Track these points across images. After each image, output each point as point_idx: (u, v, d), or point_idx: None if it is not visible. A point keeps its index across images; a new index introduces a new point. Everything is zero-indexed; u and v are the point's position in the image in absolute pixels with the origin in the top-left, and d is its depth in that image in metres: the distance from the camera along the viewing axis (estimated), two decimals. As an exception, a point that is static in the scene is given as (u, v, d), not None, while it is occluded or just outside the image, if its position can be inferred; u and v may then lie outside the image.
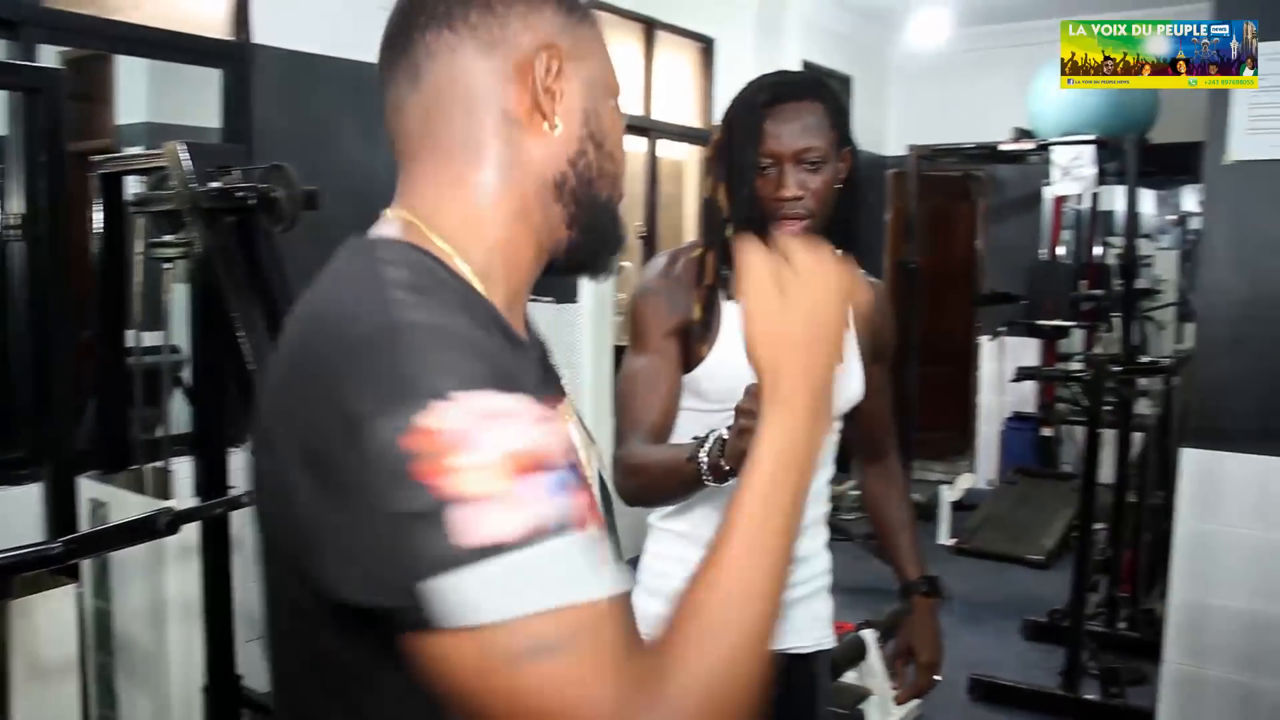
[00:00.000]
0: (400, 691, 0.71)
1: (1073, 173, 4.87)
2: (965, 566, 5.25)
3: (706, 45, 6.00)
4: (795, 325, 0.85)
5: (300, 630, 0.76)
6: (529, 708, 0.65)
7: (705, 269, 1.67)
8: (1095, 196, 5.93)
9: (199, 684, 2.40)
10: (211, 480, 2.33)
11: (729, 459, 1.33)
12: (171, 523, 1.73)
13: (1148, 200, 6.88)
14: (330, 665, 0.75)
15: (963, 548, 5.53)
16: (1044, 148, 5.19)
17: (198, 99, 3.60)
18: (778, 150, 1.59)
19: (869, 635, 2.97)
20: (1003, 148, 5.49)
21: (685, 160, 6.06)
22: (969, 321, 7.05)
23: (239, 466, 2.52)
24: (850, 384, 1.72)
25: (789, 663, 1.67)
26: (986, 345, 6.87)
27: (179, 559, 2.44)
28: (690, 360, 1.65)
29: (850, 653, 2.78)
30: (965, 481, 6.44)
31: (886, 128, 7.47)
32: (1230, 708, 3.00)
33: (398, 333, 0.69)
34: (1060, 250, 6.53)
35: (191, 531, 2.24)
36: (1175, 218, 7.16)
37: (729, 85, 6.13)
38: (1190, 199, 7.03)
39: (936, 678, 1.86)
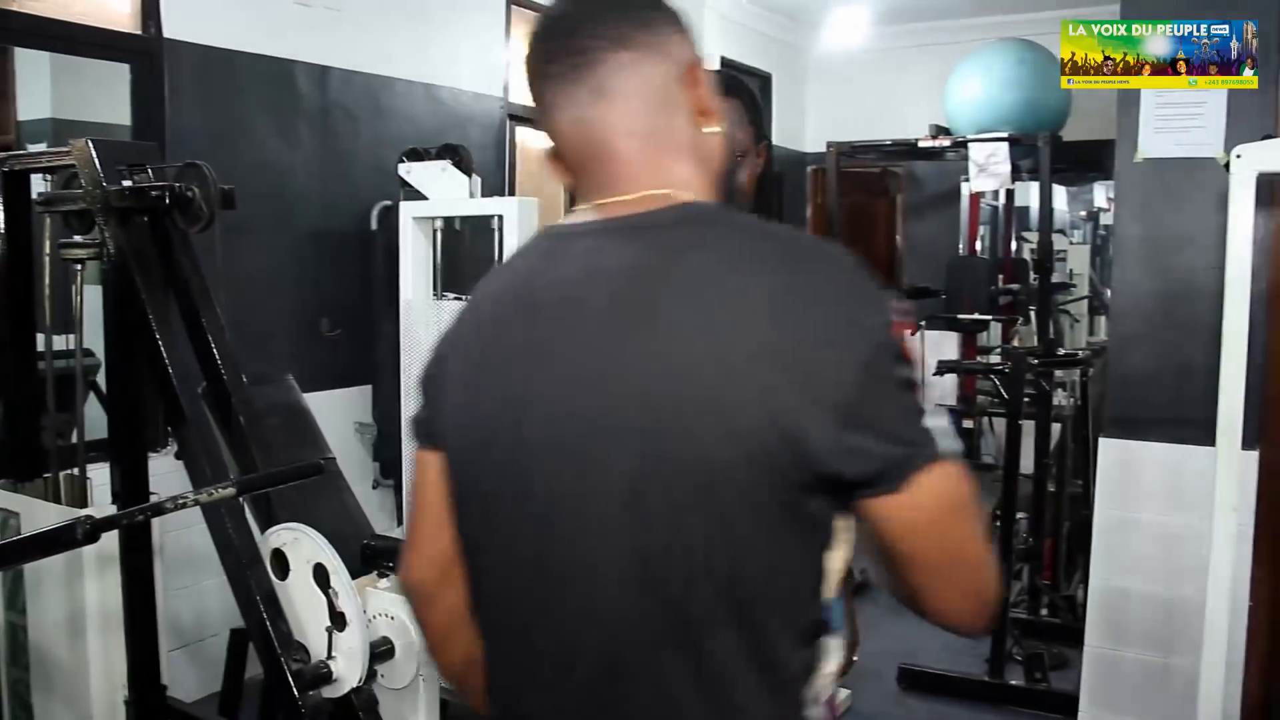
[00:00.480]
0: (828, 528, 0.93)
1: (989, 169, 4.96)
2: (890, 557, 5.32)
3: (628, 43, 5.99)
4: None
5: (778, 523, 0.89)
6: (970, 514, 0.95)
7: None
8: (1010, 193, 6.06)
9: (121, 696, 2.33)
10: (129, 487, 2.26)
11: None
12: (90, 531, 1.67)
13: (1060, 196, 7.05)
14: (804, 530, 0.91)
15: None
16: (961, 144, 5.28)
17: (105, 95, 3.50)
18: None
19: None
20: (921, 144, 5.57)
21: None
22: (889, 316, 7.14)
23: (159, 471, 2.45)
24: None
25: None
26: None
27: (97, 569, 2.37)
28: None
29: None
30: (888, 473, 6.52)
31: (805, 125, 7.54)
32: (1146, 687, 3.09)
33: (852, 268, 0.92)
34: (978, 245, 6.66)
35: (109, 540, 2.17)
36: (1086, 213, 7.35)
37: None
38: (1100, 195, 7.22)
39: (854, 658, 1.89)
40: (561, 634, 0.96)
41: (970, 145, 5.09)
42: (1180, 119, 2.94)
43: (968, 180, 5.34)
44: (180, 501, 1.79)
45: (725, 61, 6.46)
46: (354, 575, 2.03)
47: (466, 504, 1.03)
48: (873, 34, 6.40)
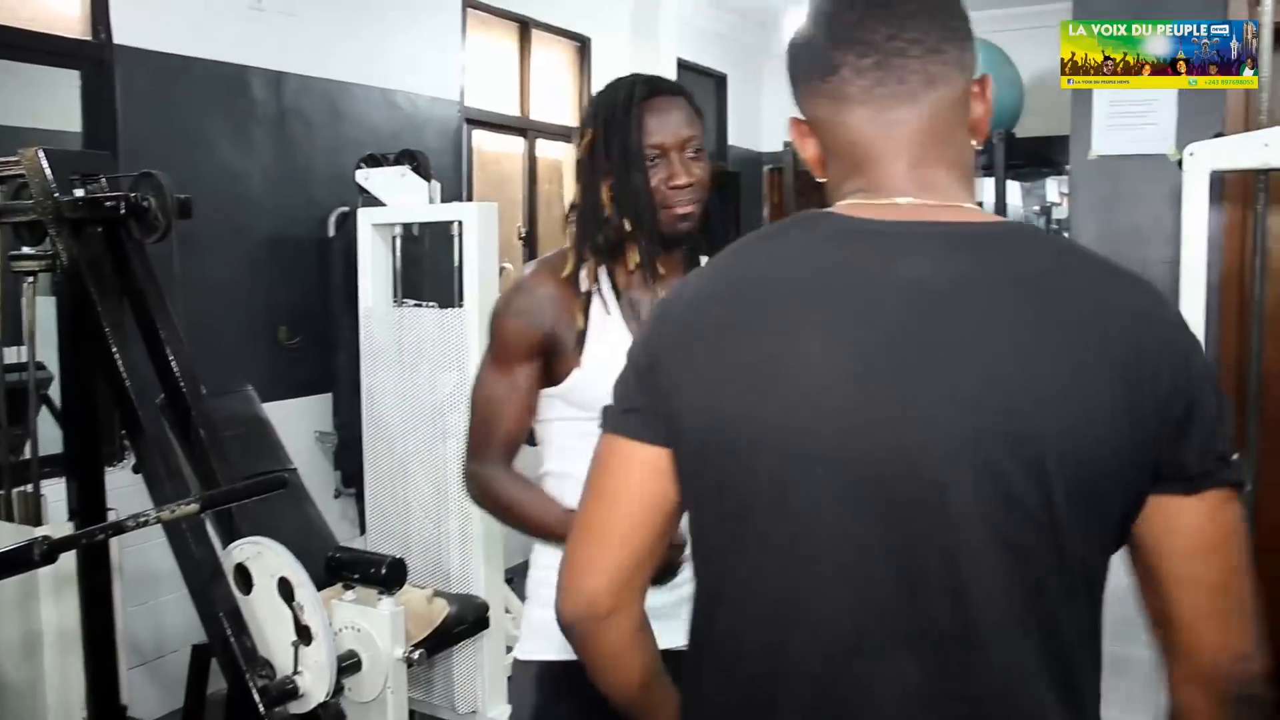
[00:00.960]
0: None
1: (945, 167, 5.01)
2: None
3: (582, 44, 5.99)
4: None
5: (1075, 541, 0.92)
6: (1245, 546, 0.96)
7: (586, 274, 1.67)
8: (966, 189, 6.11)
9: (80, 716, 2.29)
10: (86, 503, 2.22)
11: None
12: (48, 552, 1.63)
13: (1014, 191, 7.12)
14: (1128, 519, 0.95)
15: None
16: (916, 142, 5.32)
17: (53, 101, 3.44)
18: (664, 141, 1.63)
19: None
20: (877, 143, 5.60)
21: (563, 160, 6.04)
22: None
23: (115, 486, 2.41)
24: None
25: None
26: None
27: (53, 587, 2.32)
28: (561, 371, 1.65)
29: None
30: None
31: (761, 125, 7.57)
32: (1107, 677, 3.13)
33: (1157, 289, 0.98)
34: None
35: (66, 557, 2.13)
36: (1039, 208, 7.44)
37: (605, 84, 6.13)
38: (1053, 189, 7.32)
39: None
40: (903, 621, 0.93)
41: (926, 143, 5.13)
42: (1132, 117, 2.99)
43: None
44: (142, 519, 1.75)
45: (682, 62, 6.47)
46: (318, 587, 2.01)
47: (740, 496, 0.98)
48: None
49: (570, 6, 5.76)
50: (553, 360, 1.65)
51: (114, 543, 2.25)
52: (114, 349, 2.07)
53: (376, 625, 2.14)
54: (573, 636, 1.09)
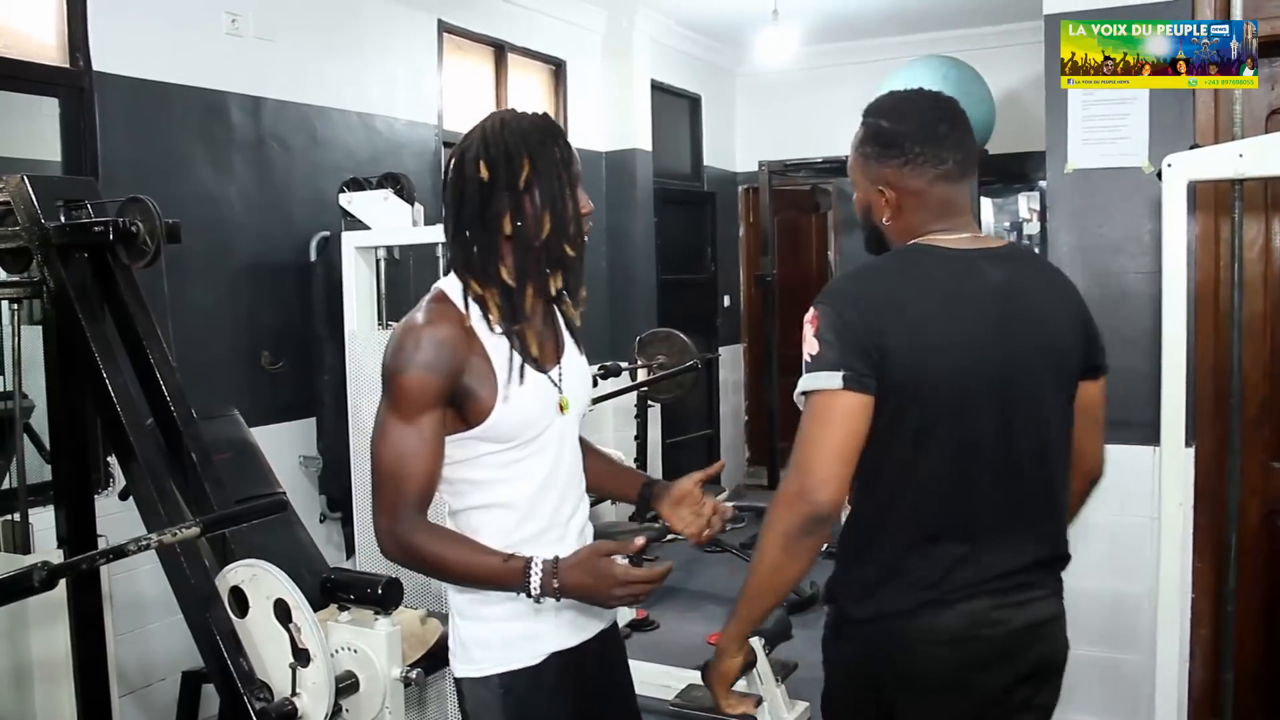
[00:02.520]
0: None
1: (919, 183, 5.06)
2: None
3: (557, 67, 6.02)
4: None
5: (1067, 409, 1.76)
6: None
7: (487, 311, 1.68)
8: (938, 205, 6.17)
9: (72, 747, 2.26)
10: (77, 531, 2.20)
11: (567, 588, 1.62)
12: (47, 578, 1.62)
13: (987, 208, 7.21)
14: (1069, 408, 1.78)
15: (833, 552, 5.62)
16: (890, 160, 5.37)
17: (28, 129, 3.42)
18: (580, 172, 1.72)
19: (756, 643, 3.00)
20: (851, 161, 5.66)
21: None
22: (825, 330, 7.22)
23: (100, 513, 2.39)
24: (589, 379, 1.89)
25: (604, 637, 1.88)
26: (843, 353, 7.05)
27: (41, 618, 2.30)
28: (476, 412, 1.65)
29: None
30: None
31: (735, 145, 7.62)
32: (1097, 682, 3.15)
33: None
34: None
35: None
36: (1010, 223, 7.54)
37: (581, 106, 6.18)
38: (1024, 205, 7.42)
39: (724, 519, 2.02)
40: (1020, 458, 1.68)
41: (900, 160, 5.18)
42: (1105, 131, 3.04)
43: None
44: (143, 544, 1.74)
45: (655, 84, 6.52)
46: (313, 609, 2.00)
47: (931, 405, 1.62)
48: (800, 54, 6.49)
49: (545, 30, 5.79)
50: (463, 404, 1.65)
51: (104, 570, 2.23)
52: (104, 373, 2.07)
53: (374, 646, 2.13)
54: (815, 523, 1.63)
